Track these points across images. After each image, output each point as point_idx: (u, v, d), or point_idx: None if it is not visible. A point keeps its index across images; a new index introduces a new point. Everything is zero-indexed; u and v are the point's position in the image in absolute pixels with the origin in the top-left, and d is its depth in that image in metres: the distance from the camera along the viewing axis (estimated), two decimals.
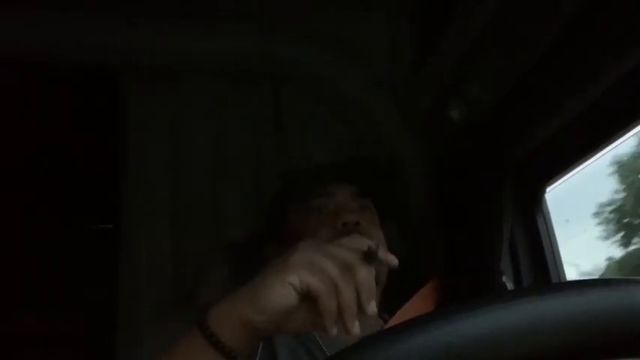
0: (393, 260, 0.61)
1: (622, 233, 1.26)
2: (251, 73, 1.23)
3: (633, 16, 0.70)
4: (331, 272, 0.55)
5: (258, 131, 1.24)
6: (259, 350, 0.78)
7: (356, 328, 0.54)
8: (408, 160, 1.17)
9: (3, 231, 1.58)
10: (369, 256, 0.58)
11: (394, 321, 0.86)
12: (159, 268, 1.12)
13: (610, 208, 1.27)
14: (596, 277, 1.24)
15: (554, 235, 0.99)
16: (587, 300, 0.31)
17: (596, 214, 1.27)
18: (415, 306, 0.90)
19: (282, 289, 0.54)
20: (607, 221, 1.26)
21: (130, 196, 1.15)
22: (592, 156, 0.89)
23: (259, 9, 1.07)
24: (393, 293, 0.92)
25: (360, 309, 0.55)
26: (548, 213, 1.00)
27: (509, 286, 0.91)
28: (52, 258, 1.70)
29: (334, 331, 0.55)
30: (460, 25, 0.90)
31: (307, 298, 0.55)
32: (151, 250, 1.12)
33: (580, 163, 0.92)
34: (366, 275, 0.56)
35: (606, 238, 1.25)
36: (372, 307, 0.56)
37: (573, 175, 0.95)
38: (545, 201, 1.01)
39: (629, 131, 0.82)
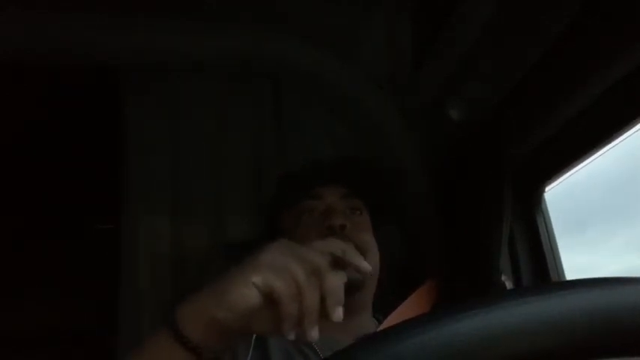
0: (365, 266, 0.60)
1: None
2: (251, 73, 1.23)
3: (633, 17, 0.70)
4: (297, 275, 0.54)
5: (258, 131, 1.24)
6: (250, 350, 0.77)
7: (314, 334, 0.54)
8: (407, 160, 1.17)
9: (3, 231, 1.58)
10: (340, 261, 0.57)
11: (389, 321, 0.86)
12: (159, 267, 1.12)
13: None
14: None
15: (553, 234, 0.99)
16: (586, 300, 0.31)
17: None
18: (411, 307, 0.90)
19: (245, 289, 0.54)
20: None
21: (130, 196, 1.15)
22: (592, 156, 0.89)
23: (259, 9, 1.07)
24: (391, 293, 0.92)
25: (326, 315, 0.54)
26: (548, 213, 1.00)
27: (509, 285, 0.91)
28: (53, 258, 1.70)
29: (292, 336, 0.54)
30: (460, 24, 0.90)
31: (271, 299, 0.54)
32: (151, 249, 1.12)
33: (579, 163, 0.92)
34: (333, 281, 0.55)
35: None
36: (338, 314, 0.54)
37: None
38: (545, 201, 1.01)
39: (628, 131, 0.82)
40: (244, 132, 1.23)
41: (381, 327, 0.87)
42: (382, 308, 0.92)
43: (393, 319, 0.87)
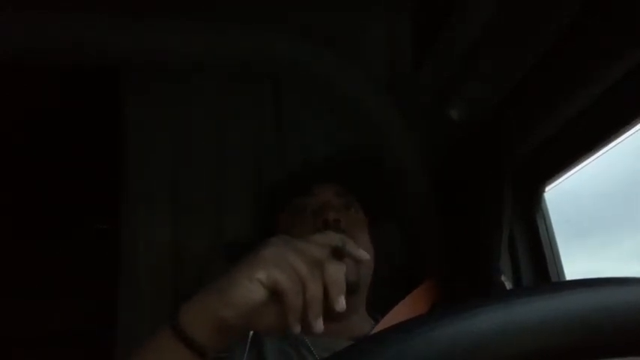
0: (363, 255, 0.61)
1: None
2: (251, 73, 1.23)
3: (634, 17, 0.70)
4: (299, 269, 0.55)
5: (258, 131, 1.24)
6: (247, 348, 0.78)
7: (319, 326, 0.54)
8: (407, 160, 1.17)
9: (3, 231, 1.58)
10: (338, 252, 0.58)
11: (386, 321, 0.87)
12: (159, 267, 1.12)
13: None
14: None
15: (553, 234, 0.99)
16: (587, 299, 0.31)
17: None
18: (408, 306, 0.90)
19: (250, 285, 0.54)
20: None
21: (130, 196, 1.15)
22: (592, 155, 0.89)
23: (259, 9, 1.07)
24: (388, 293, 0.92)
25: (329, 305, 0.55)
26: (548, 212, 1.00)
27: (508, 285, 0.91)
28: (53, 258, 1.70)
29: (298, 329, 0.55)
30: (460, 24, 0.90)
31: (276, 294, 0.55)
32: (151, 250, 1.12)
33: (580, 163, 0.92)
34: (334, 271, 0.56)
35: None
36: (342, 304, 0.56)
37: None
38: (545, 200, 1.01)
39: (628, 131, 0.82)
40: (244, 132, 1.23)
41: (378, 326, 0.87)
42: (380, 307, 0.92)
43: (390, 317, 0.87)
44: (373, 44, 1.10)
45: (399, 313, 0.88)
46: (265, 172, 1.21)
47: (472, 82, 0.95)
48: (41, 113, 1.44)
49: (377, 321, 0.90)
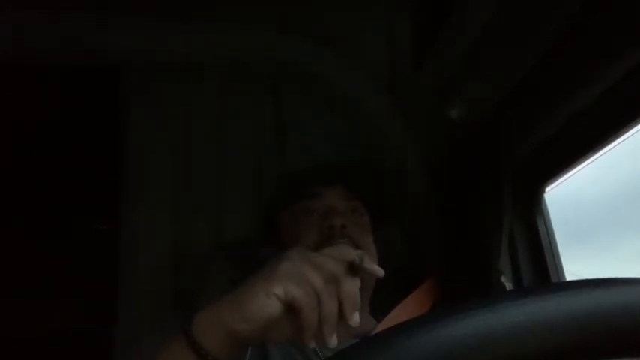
0: (378, 271, 0.61)
1: None
2: (251, 73, 1.23)
3: (634, 17, 0.70)
4: (316, 284, 0.55)
5: (258, 131, 1.24)
6: (249, 349, 0.78)
7: (333, 341, 0.55)
8: (407, 160, 1.17)
9: (3, 231, 1.58)
10: (354, 267, 0.58)
11: (387, 321, 0.87)
12: (159, 267, 1.12)
13: None
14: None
15: (553, 235, 0.99)
16: (586, 299, 0.31)
17: None
18: (409, 307, 0.90)
19: (266, 299, 0.54)
20: None
21: (130, 196, 1.15)
22: (592, 156, 0.89)
23: (259, 9, 1.07)
24: (389, 293, 0.92)
25: (344, 320, 0.56)
26: (548, 213, 1.00)
27: (509, 286, 0.91)
28: (53, 258, 1.70)
29: (312, 344, 0.55)
30: (460, 24, 0.90)
31: (291, 309, 0.55)
32: (151, 250, 1.12)
33: (580, 163, 0.92)
34: (350, 287, 0.57)
35: None
36: (356, 319, 0.56)
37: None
38: (545, 201, 1.01)
39: (628, 131, 0.82)
40: (244, 132, 1.23)
41: (380, 326, 0.87)
42: (382, 308, 0.92)
43: (391, 318, 0.87)
44: (373, 44, 1.10)
45: (400, 314, 0.88)
46: (265, 172, 1.21)
47: (472, 82, 0.95)
48: (41, 113, 1.44)
49: (379, 321, 0.90)
